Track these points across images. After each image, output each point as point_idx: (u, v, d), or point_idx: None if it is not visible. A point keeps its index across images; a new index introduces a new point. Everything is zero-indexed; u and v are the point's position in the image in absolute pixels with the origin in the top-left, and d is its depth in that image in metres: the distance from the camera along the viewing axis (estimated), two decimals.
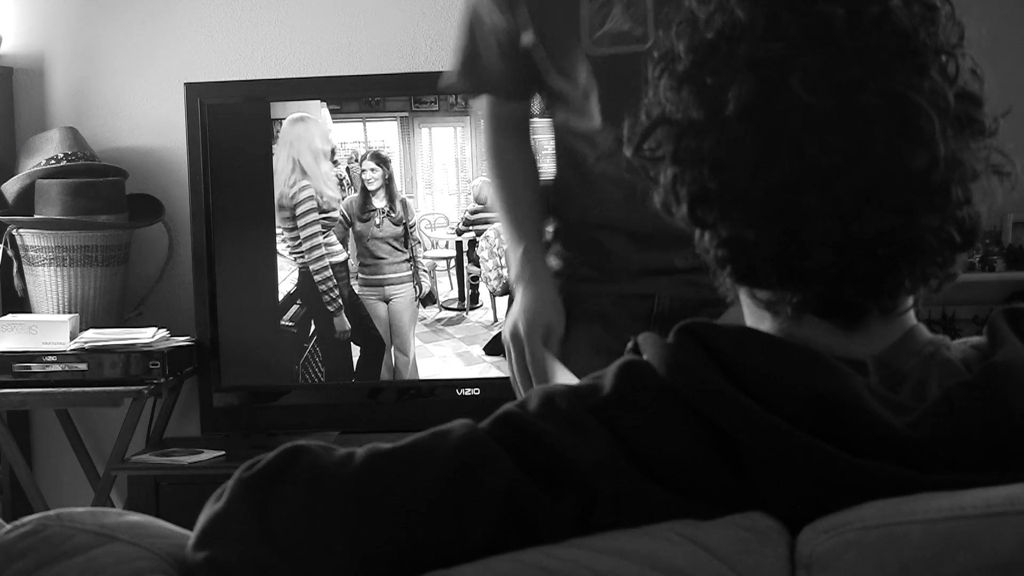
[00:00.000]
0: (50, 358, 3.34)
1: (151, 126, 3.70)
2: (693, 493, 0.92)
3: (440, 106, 3.49)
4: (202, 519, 0.94)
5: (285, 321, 3.56)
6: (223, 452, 3.40)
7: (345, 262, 3.55)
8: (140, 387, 3.31)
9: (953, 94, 0.95)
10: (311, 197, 3.53)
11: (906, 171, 0.93)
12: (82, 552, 0.92)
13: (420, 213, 3.54)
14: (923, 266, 0.96)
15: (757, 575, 0.88)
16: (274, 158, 3.52)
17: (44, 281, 3.50)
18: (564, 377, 1.91)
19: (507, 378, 2.05)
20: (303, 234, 3.53)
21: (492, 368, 3.46)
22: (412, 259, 3.56)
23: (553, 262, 2.08)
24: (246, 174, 3.53)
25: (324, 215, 3.53)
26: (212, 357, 3.53)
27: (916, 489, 0.89)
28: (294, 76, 3.62)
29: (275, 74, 3.65)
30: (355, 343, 3.56)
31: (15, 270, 3.52)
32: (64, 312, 3.48)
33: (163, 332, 3.45)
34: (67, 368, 3.34)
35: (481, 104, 2.14)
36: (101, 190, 3.49)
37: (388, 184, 3.54)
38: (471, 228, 3.55)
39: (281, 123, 3.52)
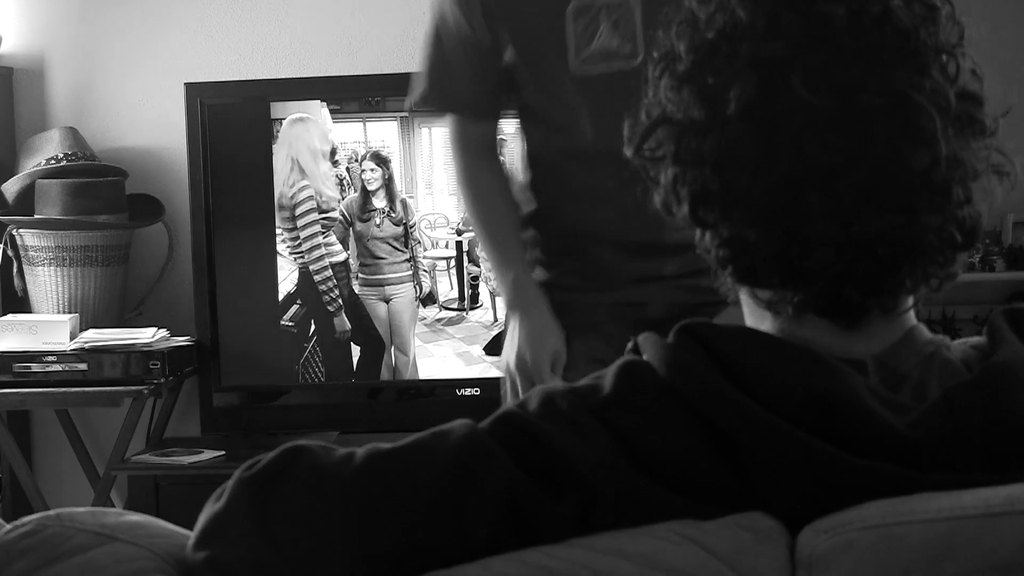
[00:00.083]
0: (50, 358, 3.34)
1: (151, 126, 3.70)
2: (693, 493, 0.92)
3: None
4: (202, 519, 0.94)
5: (285, 321, 3.56)
6: (223, 452, 3.40)
7: (345, 262, 3.55)
8: (140, 387, 3.31)
9: (954, 93, 0.95)
10: (311, 197, 3.53)
11: (907, 170, 0.93)
12: (82, 552, 0.92)
13: (420, 213, 3.54)
14: (924, 265, 0.96)
15: (757, 575, 0.88)
16: (274, 158, 3.52)
17: (44, 281, 3.50)
18: None
19: None
20: (303, 234, 3.53)
21: (492, 368, 3.46)
22: (412, 259, 3.56)
23: (537, 273, 2.05)
24: (246, 174, 3.53)
25: (323, 215, 3.53)
26: (212, 357, 3.53)
27: (916, 489, 0.89)
28: (294, 76, 3.62)
29: (275, 74, 3.65)
30: (355, 343, 3.56)
31: (15, 270, 3.52)
32: (64, 312, 3.48)
33: (163, 332, 3.45)
34: (67, 368, 3.34)
35: (447, 123, 2.09)
36: (101, 190, 3.49)
37: (388, 184, 3.54)
38: (471, 228, 3.55)
39: (281, 123, 3.52)
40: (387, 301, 3.56)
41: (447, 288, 3.58)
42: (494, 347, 3.47)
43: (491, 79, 2.02)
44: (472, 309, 3.56)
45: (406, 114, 3.49)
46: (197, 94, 3.51)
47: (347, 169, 3.53)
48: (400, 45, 3.57)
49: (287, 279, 3.56)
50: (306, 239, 3.54)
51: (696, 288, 2.01)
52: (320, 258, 3.54)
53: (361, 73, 3.55)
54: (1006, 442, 0.92)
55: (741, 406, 0.92)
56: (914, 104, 0.93)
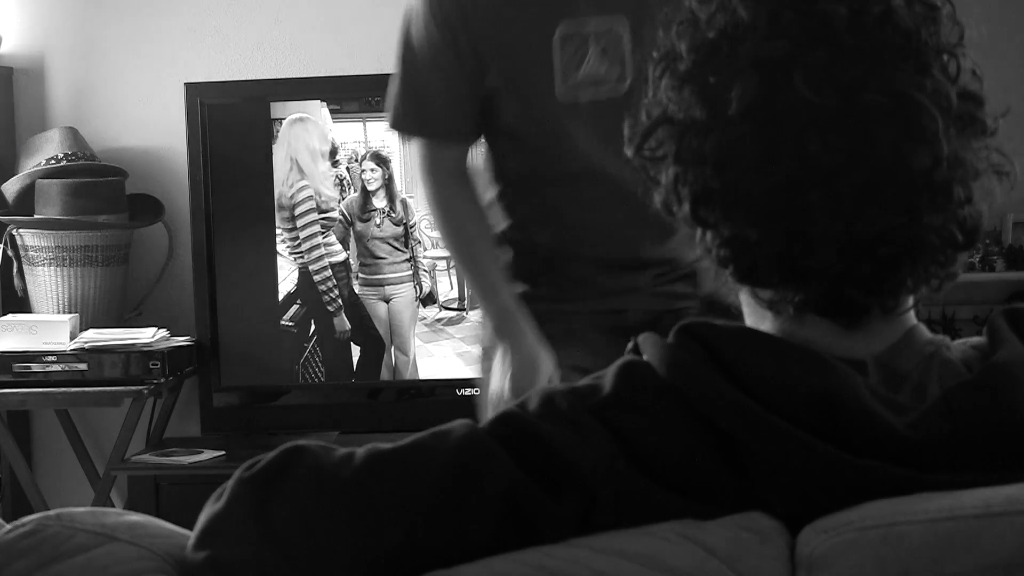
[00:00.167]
0: (50, 358, 3.34)
1: (151, 126, 3.70)
2: (693, 493, 0.92)
3: None
4: (202, 519, 0.94)
5: (285, 321, 3.56)
6: (223, 452, 3.40)
7: (345, 262, 3.55)
8: (140, 387, 3.31)
9: (955, 93, 0.95)
10: (310, 197, 3.53)
11: (909, 170, 0.93)
12: (82, 552, 0.92)
13: (420, 213, 3.54)
14: (925, 265, 0.96)
15: (757, 575, 0.88)
16: (273, 158, 3.52)
17: (44, 281, 3.50)
18: None
19: None
20: (302, 234, 3.53)
21: None
22: (412, 259, 3.56)
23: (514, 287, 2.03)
24: (246, 174, 3.53)
25: (323, 215, 3.53)
26: (212, 357, 3.53)
27: (916, 489, 0.89)
28: (294, 76, 3.62)
29: (275, 74, 3.65)
30: (355, 343, 3.56)
31: (15, 270, 3.52)
32: (64, 312, 3.48)
33: (163, 332, 3.45)
34: (67, 368, 3.34)
35: (416, 146, 2.03)
36: (101, 190, 3.49)
37: (388, 184, 3.54)
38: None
39: (281, 123, 3.52)
40: (387, 301, 3.56)
41: (447, 288, 3.58)
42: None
43: (468, 102, 1.97)
44: (472, 309, 3.56)
45: None
46: (197, 94, 3.51)
47: (347, 169, 3.53)
48: None
49: (287, 279, 3.56)
50: (305, 239, 3.54)
51: (671, 294, 2.03)
52: (320, 258, 3.54)
53: (361, 73, 3.54)
54: (1006, 442, 0.92)
55: (741, 406, 0.92)
56: (916, 103, 0.93)
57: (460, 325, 3.56)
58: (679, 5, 1.01)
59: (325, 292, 3.55)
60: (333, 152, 3.53)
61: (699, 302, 2.03)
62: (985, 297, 3.50)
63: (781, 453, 0.91)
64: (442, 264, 3.58)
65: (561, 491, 0.92)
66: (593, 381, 0.98)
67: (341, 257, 3.55)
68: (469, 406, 2.00)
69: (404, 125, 2.03)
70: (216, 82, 3.59)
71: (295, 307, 3.56)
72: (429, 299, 3.57)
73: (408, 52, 1.97)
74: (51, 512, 0.96)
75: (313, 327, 3.56)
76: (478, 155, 2.06)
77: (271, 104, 3.52)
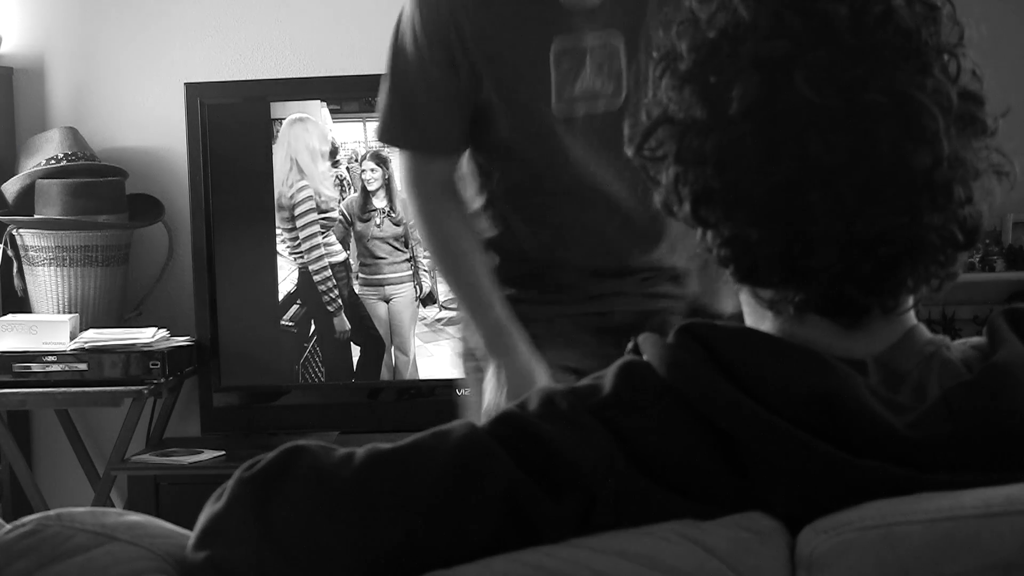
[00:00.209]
0: (50, 358, 3.34)
1: (151, 126, 3.70)
2: (693, 493, 0.92)
3: None
4: (202, 519, 0.94)
5: (285, 321, 3.56)
6: (223, 452, 3.40)
7: (345, 262, 3.55)
8: (140, 387, 3.31)
9: (955, 93, 0.95)
10: (310, 197, 3.53)
11: (910, 169, 0.93)
12: (82, 552, 0.92)
13: None
14: (925, 265, 0.96)
15: (757, 575, 0.88)
16: (273, 158, 3.52)
17: (44, 281, 3.50)
18: None
19: None
20: (302, 234, 3.53)
21: None
22: (412, 259, 3.56)
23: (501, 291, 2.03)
24: (246, 174, 3.53)
25: (323, 215, 3.53)
26: (212, 357, 3.53)
27: (916, 489, 0.89)
28: (294, 76, 3.62)
29: (275, 74, 3.65)
30: (355, 343, 3.56)
31: (15, 270, 3.52)
32: (64, 312, 3.48)
33: (163, 332, 3.45)
34: (67, 368, 3.34)
35: (404, 158, 2.00)
36: (101, 190, 3.49)
37: (388, 184, 3.54)
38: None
39: (281, 123, 3.52)
40: (387, 301, 3.56)
41: (447, 288, 3.58)
42: None
43: (459, 115, 1.96)
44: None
45: None
46: (197, 94, 3.51)
47: (347, 169, 3.53)
48: None
49: (287, 279, 3.56)
50: (305, 239, 3.54)
51: (657, 295, 2.06)
52: (320, 258, 3.54)
53: (361, 73, 3.54)
54: (1006, 442, 0.92)
55: (741, 406, 0.92)
56: (917, 103, 0.93)
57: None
58: (679, 5, 1.01)
59: (325, 292, 3.55)
60: (333, 152, 3.53)
61: (684, 303, 2.05)
62: (985, 297, 3.50)
63: (781, 453, 0.91)
64: None
65: (561, 491, 0.92)
66: (593, 381, 0.98)
67: (341, 257, 3.55)
68: None
69: (395, 137, 2.01)
70: (216, 82, 3.59)
71: (295, 307, 3.56)
72: (429, 299, 3.57)
73: (399, 65, 1.95)
74: (51, 512, 0.96)
75: (313, 327, 3.56)
76: (464, 166, 2.05)
77: (271, 104, 3.52)
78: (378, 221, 3.54)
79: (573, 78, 1.90)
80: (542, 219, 2.01)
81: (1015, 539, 0.85)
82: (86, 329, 3.43)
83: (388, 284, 3.55)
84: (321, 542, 0.91)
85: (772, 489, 0.91)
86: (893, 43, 0.94)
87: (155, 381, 3.34)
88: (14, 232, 3.50)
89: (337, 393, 3.60)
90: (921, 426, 0.92)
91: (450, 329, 3.55)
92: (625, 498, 0.92)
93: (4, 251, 3.52)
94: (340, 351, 3.56)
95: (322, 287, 3.55)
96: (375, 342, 3.56)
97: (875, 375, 0.96)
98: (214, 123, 3.51)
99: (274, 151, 3.52)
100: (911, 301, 1.00)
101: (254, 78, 3.63)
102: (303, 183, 3.52)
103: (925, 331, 1.01)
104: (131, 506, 3.33)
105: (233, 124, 3.54)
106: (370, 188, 3.53)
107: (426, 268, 3.56)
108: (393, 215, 3.54)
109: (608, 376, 0.98)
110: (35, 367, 3.34)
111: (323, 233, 3.54)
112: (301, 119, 3.53)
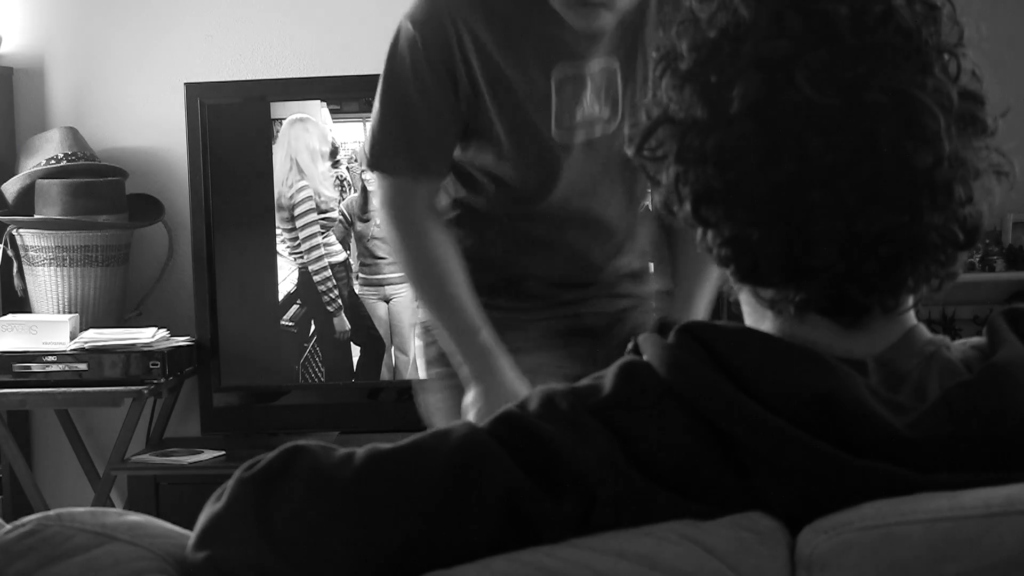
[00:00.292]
0: (50, 358, 3.34)
1: (151, 126, 3.70)
2: (693, 493, 0.92)
3: None
4: (202, 519, 0.94)
5: (285, 321, 3.56)
6: (223, 452, 3.41)
7: (345, 262, 3.55)
8: (140, 387, 3.31)
9: (956, 92, 0.95)
10: (309, 197, 3.53)
11: (911, 169, 0.93)
12: (82, 552, 0.92)
13: None
14: (926, 264, 0.96)
15: (757, 575, 0.88)
16: (273, 158, 3.52)
17: (44, 281, 3.50)
18: None
19: None
20: (302, 235, 3.53)
21: None
22: None
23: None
24: (246, 174, 3.53)
25: (322, 215, 3.53)
26: (212, 357, 3.53)
27: (916, 489, 0.89)
28: (294, 76, 3.62)
29: (275, 74, 3.65)
30: (355, 343, 3.56)
31: (15, 270, 3.52)
32: (64, 312, 3.48)
33: (163, 332, 3.45)
34: (67, 368, 3.34)
35: (386, 181, 1.96)
36: (101, 190, 3.49)
37: None
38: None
39: (281, 123, 3.52)
40: (387, 301, 3.56)
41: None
42: None
43: (453, 139, 1.94)
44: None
45: None
46: (197, 94, 3.51)
47: (347, 169, 3.53)
48: None
49: (287, 279, 3.56)
50: (305, 239, 3.54)
51: (619, 295, 2.10)
52: (319, 258, 3.54)
53: (361, 73, 3.54)
54: (1006, 442, 0.92)
55: (741, 406, 0.92)
56: (917, 102, 0.93)
57: None
58: (679, 5, 1.01)
59: (325, 292, 3.55)
60: (333, 152, 3.53)
61: (645, 300, 2.12)
62: (985, 297, 3.50)
63: (781, 453, 0.91)
64: None
65: (561, 491, 0.92)
66: (593, 381, 0.98)
67: (341, 257, 3.55)
68: None
69: (394, 166, 1.95)
70: (216, 82, 3.59)
71: (295, 307, 3.56)
72: None
73: (399, 91, 1.91)
74: (51, 512, 0.96)
75: (313, 327, 3.56)
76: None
77: (271, 104, 3.52)
78: (378, 221, 3.54)
79: (574, 105, 1.90)
80: (519, 234, 2.03)
81: (1015, 539, 0.85)
82: (86, 329, 3.43)
83: (388, 284, 3.55)
84: (321, 542, 0.91)
85: (772, 489, 0.91)
86: (893, 43, 0.94)
87: (155, 381, 3.34)
88: (14, 232, 3.50)
89: (337, 393, 3.60)
90: (921, 426, 0.92)
91: None
92: (625, 498, 0.92)
93: (4, 251, 3.52)
94: (340, 351, 3.56)
95: (322, 287, 3.55)
96: (375, 342, 3.56)
97: (875, 375, 0.96)
98: (214, 123, 3.51)
99: (274, 151, 3.52)
100: (911, 301, 1.00)
101: (254, 78, 3.63)
102: (303, 183, 3.52)
103: (925, 331, 1.01)
104: (131, 506, 3.33)
105: (233, 124, 3.54)
106: (370, 188, 3.53)
107: None
108: None
109: (608, 376, 0.98)
110: (35, 367, 3.34)
111: (323, 233, 3.54)
112: (301, 119, 3.53)
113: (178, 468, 3.31)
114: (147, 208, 3.62)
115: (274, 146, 3.52)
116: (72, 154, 3.52)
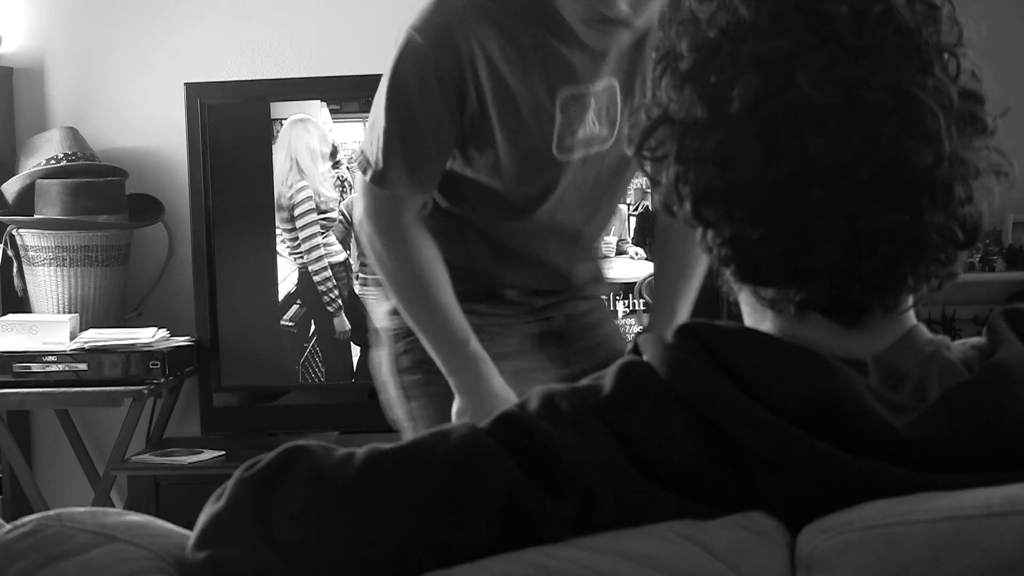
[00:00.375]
0: (50, 358, 3.34)
1: (151, 126, 3.70)
2: (693, 493, 0.92)
3: None
4: (202, 519, 0.94)
5: (285, 321, 3.56)
6: (223, 452, 3.41)
7: (345, 262, 3.55)
8: (140, 387, 3.31)
9: (956, 92, 0.95)
10: (309, 198, 3.53)
11: (911, 168, 0.93)
12: (82, 552, 0.92)
13: None
14: (926, 263, 0.96)
15: (757, 575, 0.88)
16: (273, 158, 3.52)
17: (44, 281, 3.50)
18: None
19: None
20: (302, 235, 3.53)
21: None
22: None
23: None
24: (246, 174, 3.53)
25: (322, 215, 3.53)
26: (212, 357, 3.53)
27: (916, 489, 0.89)
28: (294, 76, 3.62)
29: (275, 74, 3.65)
30: (355, 343, 3.56)
31: (15, 270, 3.53)
32: (64, 312, 3.48)
33: (163, 332, 3.45)
34: (67, 368, 3.34)
35: (375, 194, 1.95)
36: (101, 190, 3.49)
37: None
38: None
39: (281, 123, 3.52)
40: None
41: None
42: None
43: (448, 156, 1.94)
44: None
45: None
46: (197, 94, 3.51)
47: (347, 169, 3.53)
48: None
49: (287, 279, 3.56)
50: (305, 239, 3.54)
51: (584, 297, 2.16)
52: (319, 258, 3.54)
53: (361, 73, 3.54)
54: (1006, 442, 0.92)
55: (742, 406, 0.92)
56: (918, 101, 0.93)
57: None
58: (679, 5, 1.01)
59: (325, 292, 3.55)
60: (333, 152, 3.53)
61: (603, 300, 2.25)
62: (985, 297, 3.50)
63: (782, 453, 0.91)
64: None
65: (561, 491, 0.92)
66: (593, 381, 0.98)
67: (341, 257, 3.55)
68: None
69: (389, 178, 1.93)
70: (216, 82, 3.59)
71: (295, 307, 3.56)
72: None
73: (406, 109, 1.89)
74: (51, 512, 0.96)
75: (313, 327, 3.56)
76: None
77: (271, 104, 3.52)
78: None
79: (576, 125, 1.91)
80: (500, 245, 2.04)
81: (1015, 539, 0.85)
82: (86, 329, 3.43)
83: None
84: (321, 542, 0.91)
85: (772, 489, 0.91)
86: (894, 42, 0.94)
87: (155, 381, 3.34)
88: (14, 232, 3.50)
89: (337, 393, 3.60)
90: (921, 426, 0.92)
91: None
92: (625, 498, 0.92)
93: (4, 251, 3.52)
94: (340, 351, 3.56)
95: (322, 287, 3.55)
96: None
97: (875, 375, 0.96)
98: (214, 123, 3.51)
99: (274, 151, 3.52)
100: (911, 300, 1.00)
101: (254, 78, 3.63)
102: (303, 183, 3.52)
103: (925, 331, 1.01)
104: (131, 506, 3.33)
105: (233, 124, 3.54)
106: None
107: None
108: None
109: (608, 376, 0.98)
110: (35, 367, 3.34)
111: (323, 233, 3.54)
112: (301, 119, 3.53)
113: (178, 468, 3.31)
114: (147, 208, 3.62)
115: (274, 146, 3.52)
116: (72, 154, 3.52)
